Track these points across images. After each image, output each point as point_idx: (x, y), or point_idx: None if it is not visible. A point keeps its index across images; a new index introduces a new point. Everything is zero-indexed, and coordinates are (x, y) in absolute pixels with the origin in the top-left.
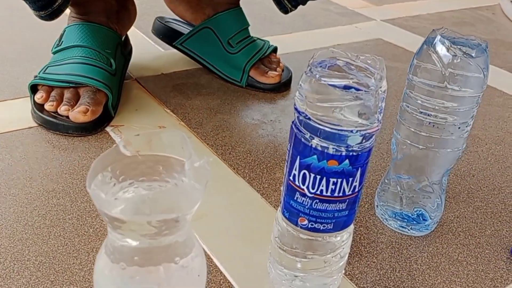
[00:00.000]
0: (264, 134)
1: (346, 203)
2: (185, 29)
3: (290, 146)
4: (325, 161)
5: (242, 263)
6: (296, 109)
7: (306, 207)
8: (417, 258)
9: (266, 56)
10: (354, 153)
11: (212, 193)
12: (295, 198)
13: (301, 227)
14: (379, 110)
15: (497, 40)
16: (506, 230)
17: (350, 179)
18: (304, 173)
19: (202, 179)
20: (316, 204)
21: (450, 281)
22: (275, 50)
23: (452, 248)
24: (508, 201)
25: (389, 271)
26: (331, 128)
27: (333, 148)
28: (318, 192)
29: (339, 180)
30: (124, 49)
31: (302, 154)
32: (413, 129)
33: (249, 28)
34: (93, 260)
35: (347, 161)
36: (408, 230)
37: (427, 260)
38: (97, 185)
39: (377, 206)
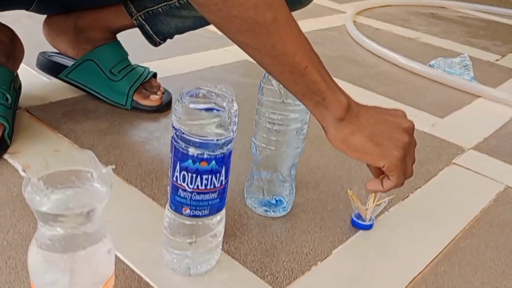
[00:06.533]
0: (151, 149)
1: (217, 193)
2: (68, 62)
3: (172, 155)
4: (198, 163)
5: (139, 253)
6: (173, 127)
7: (187, 199)
8: (278, 233)
9: (147, 81)
10: (219, 155)
11: (111, 203)
12: (178, 194)
13: (185, 215)
14: (233, 123)
15: (342, 56)
16: (342, 206)
17: (218, 175)
18: (184, 174)
19: (108, 182)
20: (194, 196)
21: (301, 246)
22: (154, 75)
23: (303, 223)
24: (345, 185)
25: (257, 244)
26: (200, 139)
27: (202, 153)
28: (195, 187)
29: (210, 176)
30: (15, 84)
31: (181, 160)
32: (265, 135)
33: (129, 56)
34: (13, 266)
35: (214, 162)
36: (271, 212)
37: (285, 233)
38: (29, 191)
39: (246, 198)
